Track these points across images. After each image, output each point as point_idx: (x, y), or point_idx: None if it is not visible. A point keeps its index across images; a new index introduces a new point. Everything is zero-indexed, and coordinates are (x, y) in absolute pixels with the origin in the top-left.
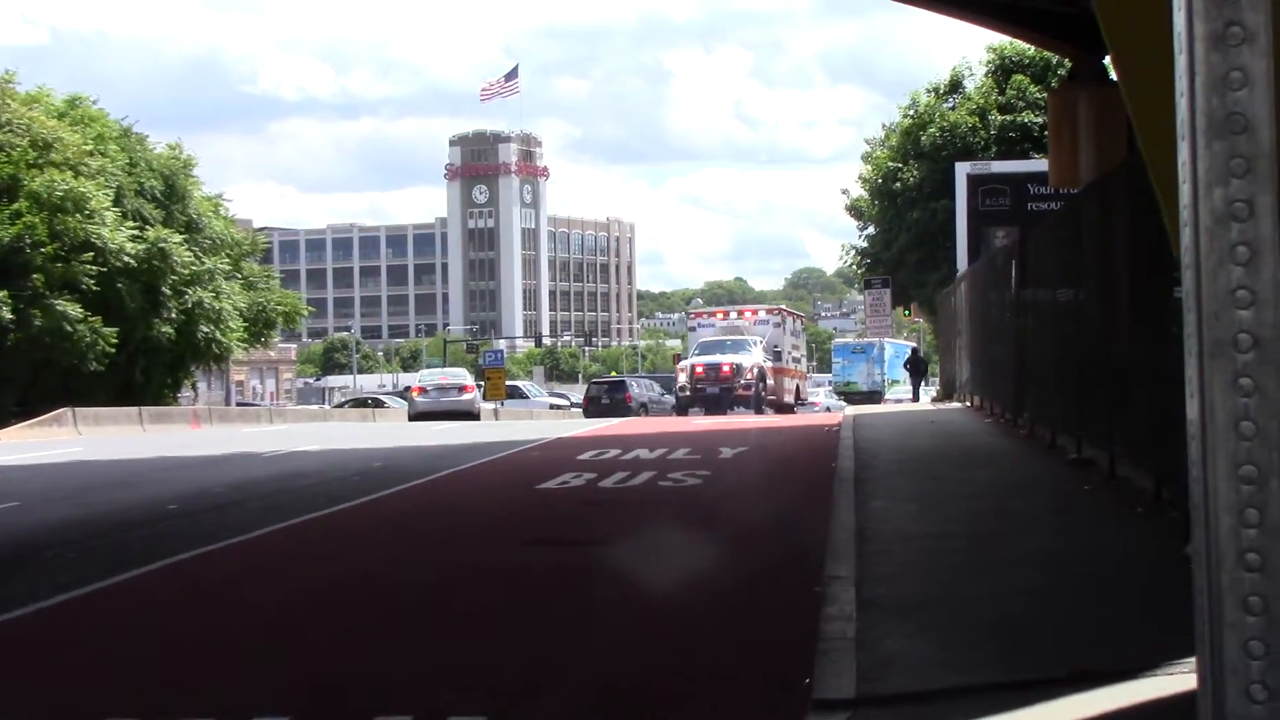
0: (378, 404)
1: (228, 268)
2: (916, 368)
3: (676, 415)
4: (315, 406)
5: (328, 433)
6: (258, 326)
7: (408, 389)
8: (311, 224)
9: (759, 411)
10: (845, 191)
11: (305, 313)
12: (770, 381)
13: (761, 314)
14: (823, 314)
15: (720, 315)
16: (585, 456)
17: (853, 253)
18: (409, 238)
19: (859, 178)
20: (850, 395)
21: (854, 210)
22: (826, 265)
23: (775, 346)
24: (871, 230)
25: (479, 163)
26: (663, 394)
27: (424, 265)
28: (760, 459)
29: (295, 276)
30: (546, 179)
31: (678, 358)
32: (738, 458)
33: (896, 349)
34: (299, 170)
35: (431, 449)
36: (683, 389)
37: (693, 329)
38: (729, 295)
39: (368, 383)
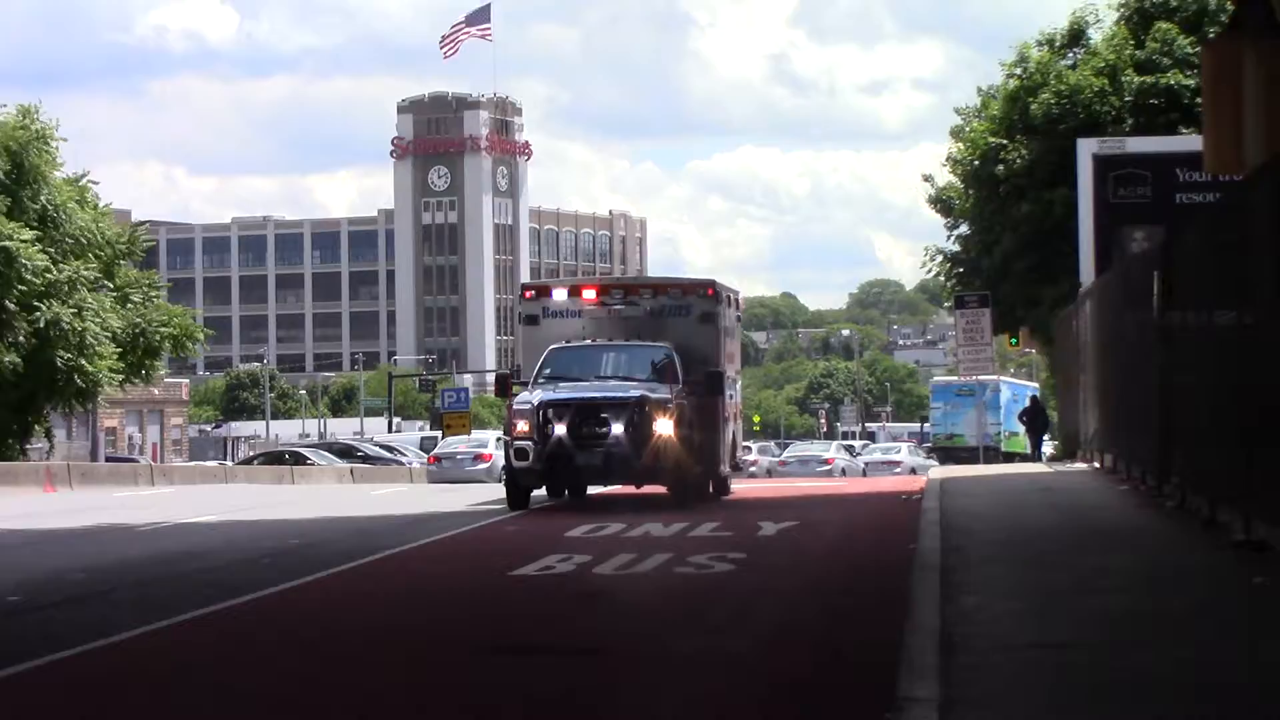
0: (298, 459)
1: (96, 275)
2: (1035, 419)
3: (509, 505)
4: (214, 463)
5: (230, 498)
6: (136, 354)
7: (343, 445)
8: (210, 217)
9: (673, 490)
10: (928, 178)
11: (201, 337)
12: (694, 434)
13: (672, 293)
14: (899, 341)
15: (591, 295)
16: (578, 532)
17: (939, 260)
18: (342, 236)
19: (947, 159)
20: (954, 453)
21: (940, 203)
22: (904, 277)
23: (705, 361)
24: (965, 230)
25: (437, 135)
26: None
27: (362, 273)
28: (814, 537)
29: (188, 287)
30: (528, 159)
31: (505, 384)
32: (783, 535)
33: (1015, 391)
34: (191, 146)
35: (369, 520)
36: (521, 453)
37: (531, 320)
38: (775, 318)
39: (286, 431)
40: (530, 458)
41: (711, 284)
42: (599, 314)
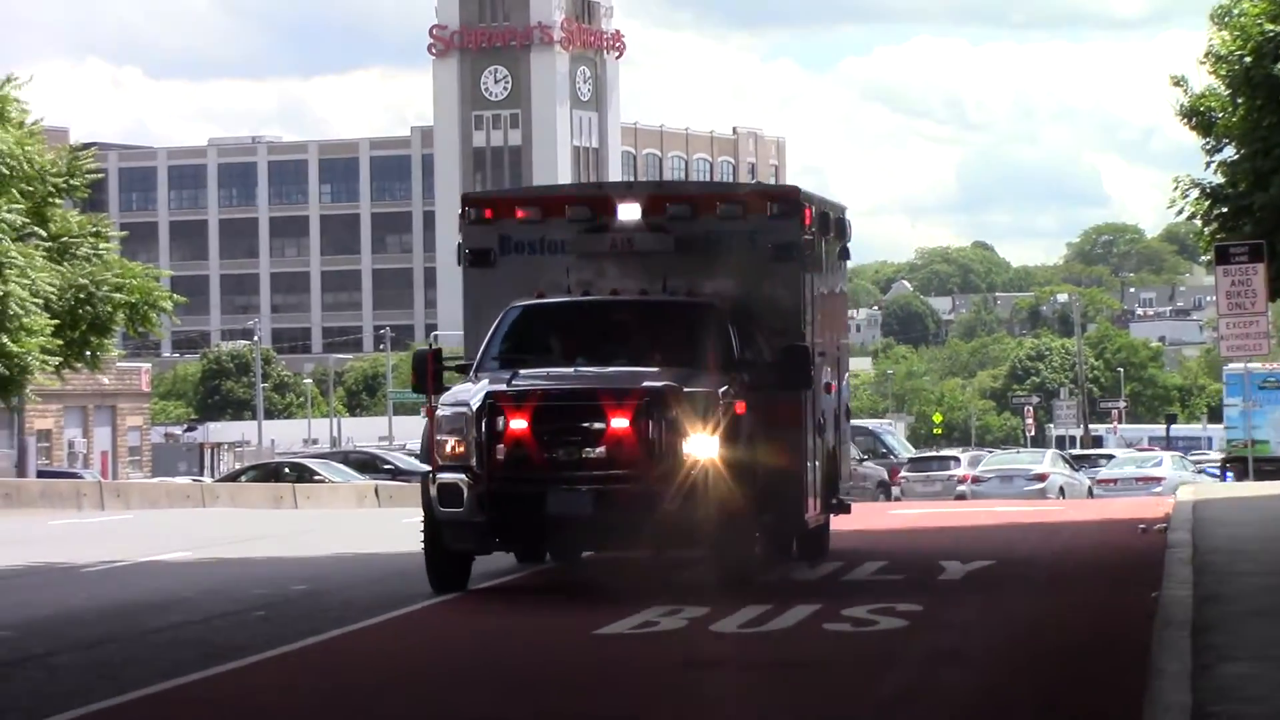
0: (303, 475)
1: (22, 220)
2: None
3: (431, 585)
4: (187, 479)
5: (209, 528)
6: (79, 330)
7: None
8: (179, 139)
9: (719, 555)
10: (1179, 81)
11: (169, 305)
12: (758, 456)
13: (724, 210)
14: (1139, 311)
15: (583, 213)
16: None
17: (1194, 196)
18: (362, 165)
19: (1206, 55)
20: (1258, 465)
21: (1195, 116)
22: (1144, 221)
23: (782, 329)
24: (1230, 154)
25: (494, 25)
26: (862, 459)
27: (390, 216)
28: (1015, 581)
29: (149, 235)
30: (619, 56)
31: (427, 369)
32: (972, 579)
33: None
34: (149, 37)
35: (399, 559)
36: (449, 494)
37: (481, 259)
38: (963, 278)
39: (285, 435)
40: (465, 501)
41: (792, 193)
42: (596, 246)
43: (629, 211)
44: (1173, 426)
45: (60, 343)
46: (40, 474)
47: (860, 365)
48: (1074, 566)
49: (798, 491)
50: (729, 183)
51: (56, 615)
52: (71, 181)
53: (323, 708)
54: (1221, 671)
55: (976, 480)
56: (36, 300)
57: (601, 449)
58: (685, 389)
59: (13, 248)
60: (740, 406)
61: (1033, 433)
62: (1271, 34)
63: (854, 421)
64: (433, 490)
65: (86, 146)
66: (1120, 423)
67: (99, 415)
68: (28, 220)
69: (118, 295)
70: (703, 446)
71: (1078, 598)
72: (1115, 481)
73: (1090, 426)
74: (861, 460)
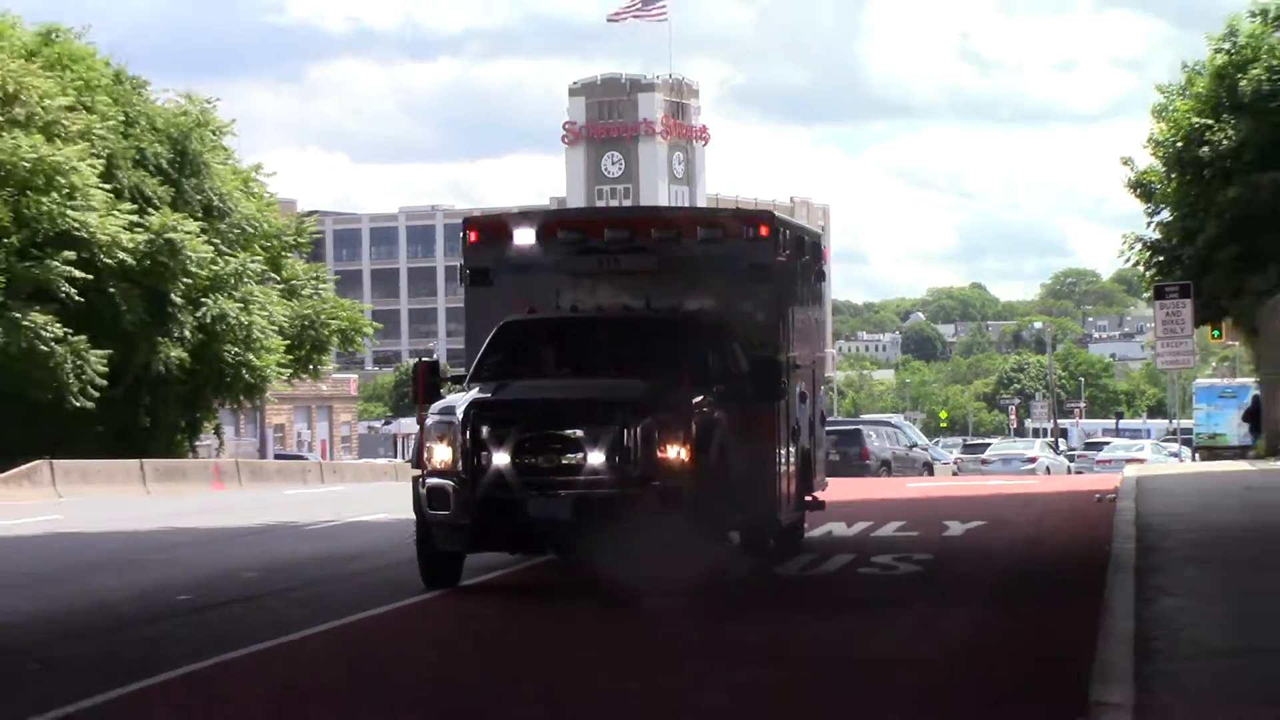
0: None
1: (262, 267)
2: (1258, 422)
3: (424, 581)
4: (384, 461)
5: (403, 497)
6: (304, 349)
7: None
8: (376, 206)
9: (696, 559)
10: (1126, 161)
11: (370, 330)
12: (733, 463)
13: (704, 233)
14: (1094, 334)
15: (574, 237)
16: None
17: (1138, 248)
18: None
19: (1147, 141)
20: (1217, 451)
21: (1140, 188)
22: (1100, 267)
23: (760, 342)
24: (1165, 216)
25: (611, 121)
26: (913, 445)
27: None
28: (1002, 538)
29: (355, 279)
30: (705, 144)
31: (423, 381)
32: (970, 536)
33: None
34: (352, 132)
35: None
36: (437, 496)
37: (480, 278)
38: (963, 310)
39: None
40: (452, 505)
41: (766, 218)
42: (586, 267)
43: (617, 234)
44: (1121, 421)
45: (290, 359)
46: (276, 456)
47: (885, 375)
48: (1045, 527)
49: (771, 495)
50: (709, 208)
51: (290, 560)
52: (298, 239)
53: (494, 620)
54: (1159, 605)
55: (985, 462)
56: (273, 327)
57: (580, 456)
58: (661, 399)
59: (256, 289)
60: (714, 416)
61: (1015, 426)
62: (1198, 125)
63: (884, 417)
64: (422, 493)
65: (309, 214)
66: (1081, 419)
67: (319, 413)
68: (266, 268)
69: (332, 324)
70: (677, 454)
71: (1047, 551)
72: (1110, 461)
73: (1058, 421)
74: (911, 447)
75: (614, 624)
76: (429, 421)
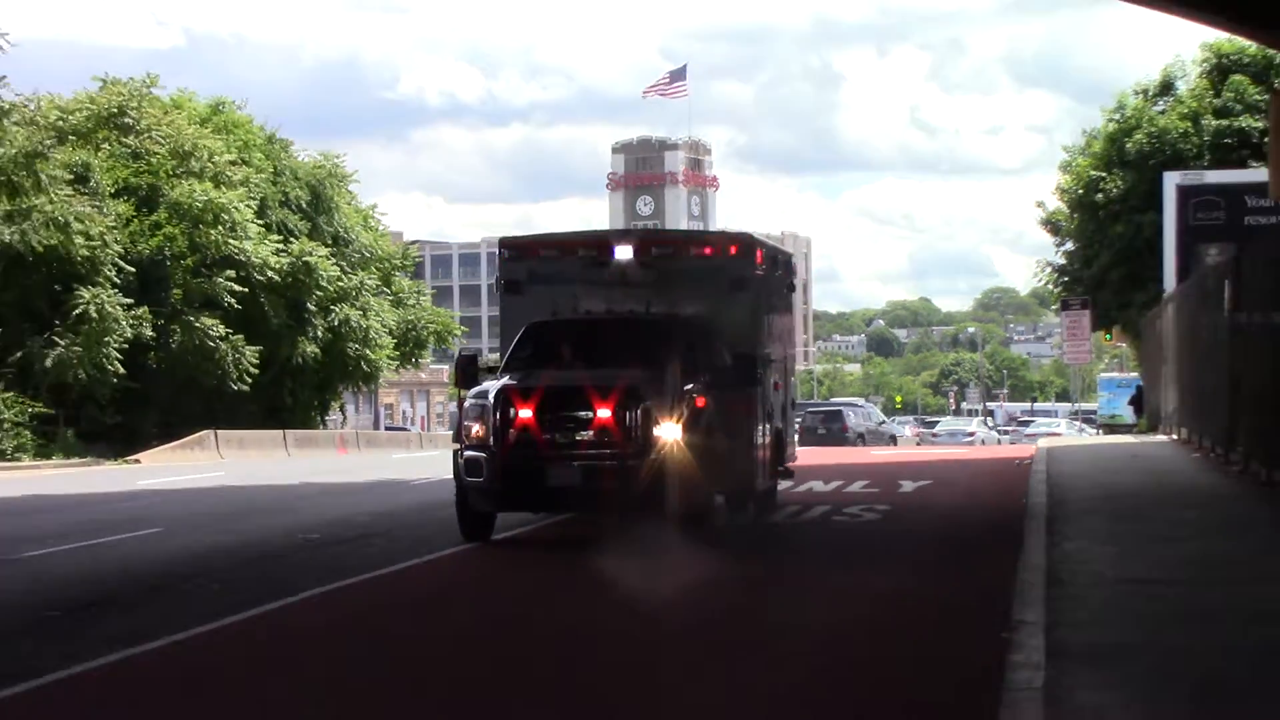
0: None
1: (376, 283)
2: (1140, 405)
3: (463, 535)
4: None
5: None
6: (408, 346)
7: None
8: (464, 237)
9: (682, 519)
10: (1041, 204)
11: (458, 332)
12: (715, 440)
13: (695, 252)
14: (1015, 337)
15: (589, 254)
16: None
17: (1048, 270)
18: None
19: (1056, 188)
20: (1115, 429)
21: (1050, 224)
22: (1019, 284)
23: (741, 340)
24: (1069, 246)
25: (644, 171)
26: (882, 422)
27: None
28: (944, 493)
29: (447, 293)
30: (716, 190)
31: (463, 368)
32: (919, 492)
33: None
34: (446, 180)
35: None
36: (473, 466)
37: (513, 288)
38: (913, 317)
39: None
40: (485, 473)
41: (747, 239)
42: (599, 278)
43: (624, 252)
44: (1035, 404)
45: (398, 354)
46: (386, 428)
47: (853, 368)
48: (978, 484)
49: (749, 465)
50: (701, 230)
51: (394, 508)
52: (404, 262)
53: (563, 551)
54: (1063, 547)
55: (936, 435)
56: (384, 330)
57: (589, 433)
58: (656, 385)
59: (372, 300)
60: (700, 400)
61: (954, 408)
62: (1094, 177)
63: (853, 400)
64: (461, 463)
65: (412, 243)
66: (1004, 402)
67: (420, 396)
68: (380, 284)
69: (430, 327)
70: (670, 431)
71: (978, 502)
72: (1036, 436)
73: (987, 404)
74: (880, 424)
75: (611, 562)
76: (467, 404)
